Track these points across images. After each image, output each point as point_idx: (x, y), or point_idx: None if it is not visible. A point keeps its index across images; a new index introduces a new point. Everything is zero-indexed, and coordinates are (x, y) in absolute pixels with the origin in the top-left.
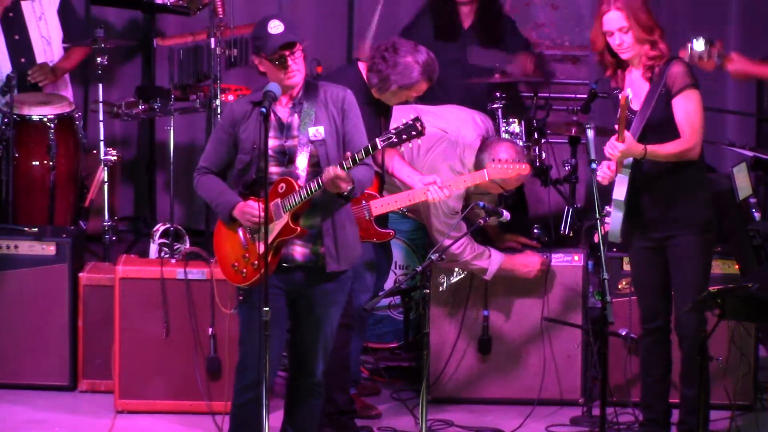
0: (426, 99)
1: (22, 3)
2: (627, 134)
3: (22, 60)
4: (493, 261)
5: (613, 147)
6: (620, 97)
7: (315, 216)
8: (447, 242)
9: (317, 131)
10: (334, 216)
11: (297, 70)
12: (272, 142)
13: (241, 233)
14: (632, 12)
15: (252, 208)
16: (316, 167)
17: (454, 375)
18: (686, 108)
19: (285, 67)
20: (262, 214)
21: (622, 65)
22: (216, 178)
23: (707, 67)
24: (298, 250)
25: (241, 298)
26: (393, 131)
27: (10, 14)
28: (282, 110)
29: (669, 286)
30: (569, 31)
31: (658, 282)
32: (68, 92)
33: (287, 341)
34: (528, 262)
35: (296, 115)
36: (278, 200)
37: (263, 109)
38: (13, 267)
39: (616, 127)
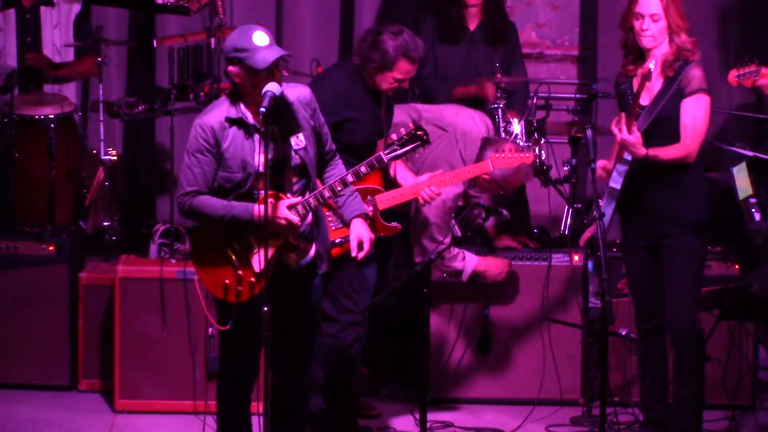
0: (432, 96)
1: (42, 8)
2: (637, 133)
3: None
4: (467, 263)
5: (623, 130)
6: (643, 68)
7: (306, 218)
8: (440, 247)
9: (298, 139)
10: (319, 217)
11: (280, 84)
12: (261, 158)
13: (229, 251)
14: (670, 1)
15: (284, 209)
16: (302, 174)
17: (454, 375)
18: (694, 112)
19: (273, 80)
20: (297, 218)
21: (639, 58)
22: (211, 197)
23: (747, 84)
24: (293, 258)
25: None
26: (397, 142)
27: (27, 15)
28: (260, 123)
29: (663, 286)
30: (569, 31)
31: (654, 281)
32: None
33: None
34: (497, 265)
35: (275, 128)
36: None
37: (263, 109)
38: (13, 267)
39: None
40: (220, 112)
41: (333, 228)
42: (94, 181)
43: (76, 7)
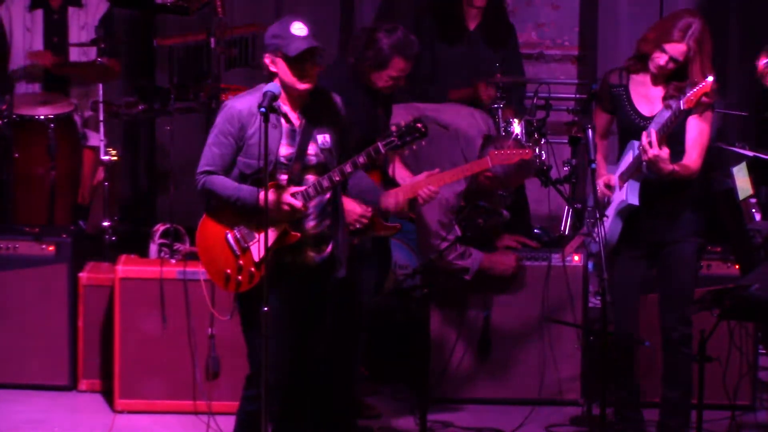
0: (430, 98)
1: (70, 9)
2: (666, 149)
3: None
4: (474, 260)
5: (654, 146)
6: (706, 83)
7: (324, 220)
8: (444, 244)
9: (324, 139)
10: (341, 220)
11: (313, 76)
12: (284, 150)
13: (231, 239)
14: (697, 55)
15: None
16: (322, 175)
17: (454, 375)
18: (701, 128)
19: (303, 72)
20: (299, 203)
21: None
22: (226, 177)
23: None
24: (311, 256)
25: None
26: (395, 133)
27: (55, 16)
28: (292, 115)
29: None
30: (569, 31)
31: (638, 292)
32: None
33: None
34: (505, 261)
35: (304, 121)
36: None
37: (262, 109)
38: (13, 267)
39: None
40: (253, 98)
41: None
42: (93, 181)
43: (103, 8)
